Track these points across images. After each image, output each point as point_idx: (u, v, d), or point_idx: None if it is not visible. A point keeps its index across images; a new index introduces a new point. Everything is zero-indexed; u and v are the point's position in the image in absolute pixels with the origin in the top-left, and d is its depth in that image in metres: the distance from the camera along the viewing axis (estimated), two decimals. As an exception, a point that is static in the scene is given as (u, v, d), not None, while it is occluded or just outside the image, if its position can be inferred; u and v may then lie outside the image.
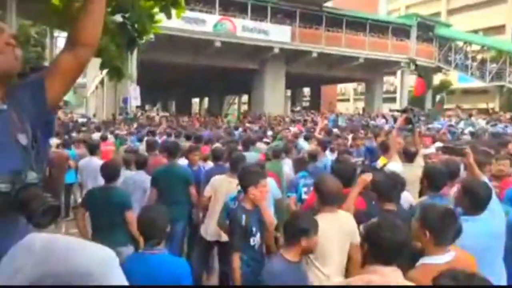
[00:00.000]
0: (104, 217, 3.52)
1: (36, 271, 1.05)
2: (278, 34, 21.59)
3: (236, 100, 41.71)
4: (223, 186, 3.90)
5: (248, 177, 2.97)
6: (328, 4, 23.51)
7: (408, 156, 4.43)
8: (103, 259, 1.11)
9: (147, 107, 29.00)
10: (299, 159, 5.18)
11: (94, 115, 24.47)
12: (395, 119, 15.20)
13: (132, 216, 3.44)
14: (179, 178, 4.42)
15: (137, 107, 18.76)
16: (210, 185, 4.06)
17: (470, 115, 17.52)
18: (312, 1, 22.30)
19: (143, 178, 4.54)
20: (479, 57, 26.11)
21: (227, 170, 4.21)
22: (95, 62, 3.70)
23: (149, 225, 2.32)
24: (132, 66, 15.95)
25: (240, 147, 6.13)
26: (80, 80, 39.93)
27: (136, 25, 3.86)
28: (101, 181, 4.80)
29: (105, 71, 4.44)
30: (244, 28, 20.86)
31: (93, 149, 5.93)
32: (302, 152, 5.98)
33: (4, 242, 1.13)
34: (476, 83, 27.35)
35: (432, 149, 5.72)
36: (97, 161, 5.55)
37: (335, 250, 2.53)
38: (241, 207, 2.97)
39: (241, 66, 22.89)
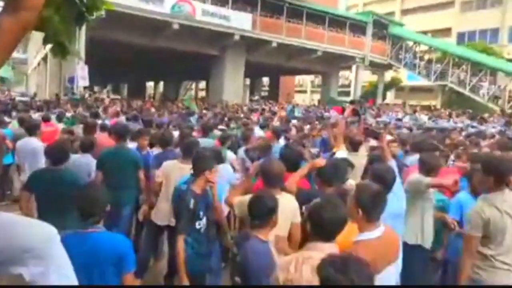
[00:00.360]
0: (53, 200, 3.32)
1: None
2: (239, 21, 21.30)
3: (193, 86, 40.99)
4: (175, 172, 3.84)
5: (203, 162, 3.01)
6: (289, -6, 23.59)
7: (354, 146, 4.63)
8: (44, 235, 1.14)
9: (96, 88, 27.54)
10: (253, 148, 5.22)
11: (35, 94, 22.58)
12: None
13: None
14: (129, 162, 4.31)
15: (84, 88, 17.65)
16: (162, 170, 3.99)
17: (415, 111, 18.63)
18: (274, -10, 22.25)
19: (89, 161, 4.33)
20: (426, 57, 27.51)
21: (177, 155, 4.13)
22: (37, 36, 3.40)
23: (88, 203, 2.24)
24: (80, 43, 14.96)
25: (195, 134, 6.06)
26: (19, 55, 36.94)
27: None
28: (41, 164, 4.62)
29: (48, 46, 4.09)
30: (204, 12, 20.37)
31: (31, 129, 5.53)
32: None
33: None
34: (423, 82, 28.85)
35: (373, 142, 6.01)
36: (36, 143, 5.24)
37: (277, 228, 2.59)
38: (191, 191, 2.97)
39: (200, 51, 22.42)
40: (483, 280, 2.61)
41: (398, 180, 2.82)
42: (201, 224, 2.97)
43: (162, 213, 3.89)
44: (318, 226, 1.89)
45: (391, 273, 2.27)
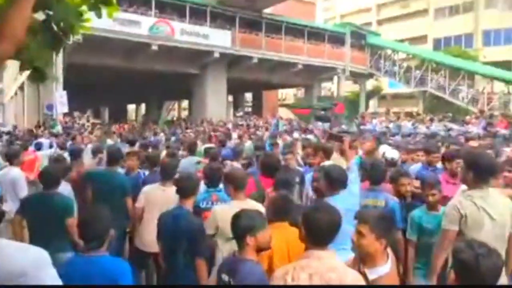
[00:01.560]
0: (44, 224, 3.38)
1: None
2: (218, 39, 21.33)
3: (176, 106, 40.73)
4: (156, 196, 3.77)
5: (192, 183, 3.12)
6: (267, 10, 23.76)
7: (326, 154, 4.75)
8: (36, 259, 1.15)
9: (76, 114, 26.98)
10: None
11: (15, 127, 21.78)
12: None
13: (73, 222, 3.37)
14: (116, 187, 4.13)
15: (64, 114, 17.28)
16: (143, 194, 3.88)
17: (398, 118, 18.85)
18: (251, 7, 22.36)
19: (68, 191, 4.08)
20: (405, 64, 28.02)
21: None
22: (13, 65, 3.21)
23: (88, 227, 2.20)
24: (57, 68, 14.64)
25: (182, 152, 5.93)
26: (-6, 85, 36.06)
27: (61, 24, 3.39)
28: (22, 192, 4.55)
29: (25, 74, 3.90)
30: (183, 32, 20.31)
31: (11, 158, 5.25)
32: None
33: None
34: (403, 89, 29.30)
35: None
36: (15, 172, 4.97)
37: None
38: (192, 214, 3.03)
39: (181, 70, 22.31)
40: None
41: (355, 179, 3.11)
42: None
43: (148, 239, 3.73)
44: (312, 231, 1.86)
45: None
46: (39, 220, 3.38)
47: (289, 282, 1.72)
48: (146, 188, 3.91)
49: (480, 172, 2.59)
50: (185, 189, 3.06)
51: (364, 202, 3.31)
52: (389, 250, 2.16)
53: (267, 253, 2.33)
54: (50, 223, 3.35)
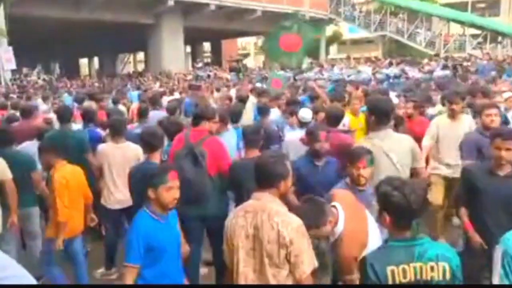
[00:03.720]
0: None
1: None
2: (172, -15, 20.09)
3: (131, 59, 38.85)
4: (114, 154, 3.79)
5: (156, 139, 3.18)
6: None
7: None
8: None
9: (25, 70, 25.18)
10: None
11: None
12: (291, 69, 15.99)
13: (38, 176, 3.65)
14: (74, 144, 4.15)
15: (13, 71, 16.09)
16: (99, 154, 3.90)
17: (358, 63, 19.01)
18: None
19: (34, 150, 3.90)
20: (364, 8, 27.80)
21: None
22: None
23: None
24: (-1, 22, 13.42)
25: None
26: None
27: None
28: None
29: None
30: (133, -22, 18.92)
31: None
32: None
33: None
34: (363, 34, 29.30)
35: None
36: None
37: None
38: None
39: (134, 20, 21.08)
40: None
41: None
42: None
43: (114, 198, 3.79)
44: (258, 176, 2.01)
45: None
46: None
47: (231, 217, 2.03)
48: (101, 147, 3.91)
49: (379, 115, 2.87)
50: (152, 144, 3.13)
51: None
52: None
53: None
54: (17, 178, 3.40)
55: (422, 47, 23.70)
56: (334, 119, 3.79)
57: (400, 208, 1.63)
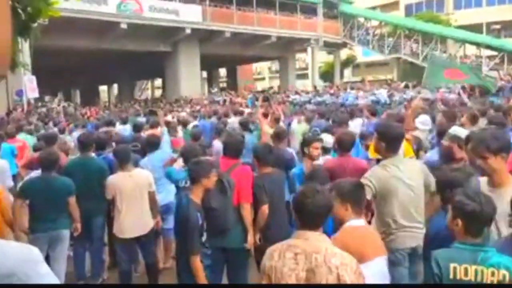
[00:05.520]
0: (47, 204, 3.60)
1: None
2: (189, 14, 20.73)
3: (149, 85, 39.78)
4: (126, 185, 3.74)
5: (201, 169, 2.82)
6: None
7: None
8: (25, 258, 1.08)
9: (47, 98, 26.06)
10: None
11: None
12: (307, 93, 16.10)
13: (74, 201, 3.76)
14: (94, 171, 4.15)
15: (35, 99, 16.66)
16: (110, 185, 3.82)
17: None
18: (221, -21, 21.75)
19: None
20: (378, 32, 28.06)
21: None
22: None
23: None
24: (24, 54, 13.96)
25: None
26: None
27: (28, 9, 3.20)
28: (8, 182, 4.54)
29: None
30: (152, 8, 19.61)
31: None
32: None
33: None
34: (377, 57, 29.46)
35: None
36: (2, 162, 4.78)
37: None
38: (193, 204, 2.73)
39: (152, 49, 21.70)
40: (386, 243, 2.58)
41: None
42: (204, 235, 2.79)
43: (127, 226, 3.74)
44: (301, 213, 1.89)
45: (383, 265, 2.26)
46: (43, 200, 3.60)
47: (276, 259, 1.83)
48: (112, 179, 3.84)
49: (389, 142, 2.77)
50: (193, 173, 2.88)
51: None
52: None
53: None
54: (54, 203, 3.61)
55: (438, 69, 23.64)
56: (345, 144, 3.69)
57: (475, 215, 1.77)
